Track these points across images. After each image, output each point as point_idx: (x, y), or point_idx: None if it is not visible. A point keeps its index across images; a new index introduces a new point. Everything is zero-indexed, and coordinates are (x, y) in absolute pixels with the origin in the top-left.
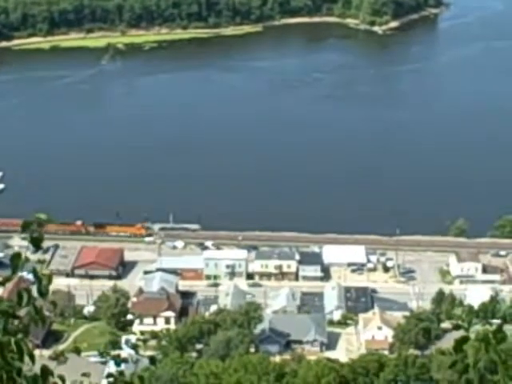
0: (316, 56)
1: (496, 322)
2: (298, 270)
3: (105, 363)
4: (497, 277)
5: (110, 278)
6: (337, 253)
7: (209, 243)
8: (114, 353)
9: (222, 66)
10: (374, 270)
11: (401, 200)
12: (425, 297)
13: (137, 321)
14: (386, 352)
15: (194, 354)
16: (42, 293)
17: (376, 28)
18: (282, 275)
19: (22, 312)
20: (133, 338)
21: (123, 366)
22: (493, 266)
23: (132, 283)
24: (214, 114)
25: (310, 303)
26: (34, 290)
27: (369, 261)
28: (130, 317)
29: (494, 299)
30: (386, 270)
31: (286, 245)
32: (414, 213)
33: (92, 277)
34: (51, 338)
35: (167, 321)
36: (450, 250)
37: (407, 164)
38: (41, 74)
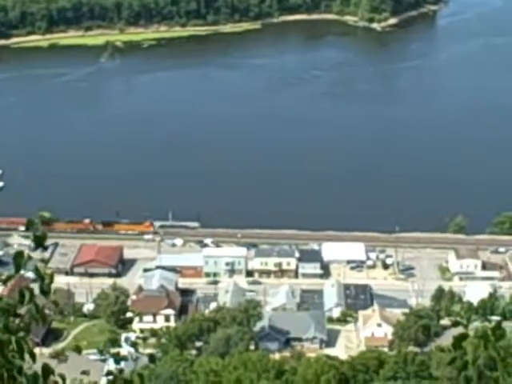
0: (315, 53)
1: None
2: (297, 267)
3: (104, 361)
4: (496, 273)
5: (109, 275)
6: (336, 250)
7: (208, 241)
8: (114, 351)
9: (220, 64)
10: (374, 267)
11: (400, 197)
12: (424, 294)
13: (136, 318)
14: (386, 349)
15: (194, 352)
16: (45, 291)
17: (375, 25)
18: (281, 272)
19: (22, 310)
20: (132, 336)
21: (123, 364)
22: (492, 263)
23: (131, 281)
24: (212, 111)
25: (309, 300)
26: (33, 288)
27: (368, 258)
28: (129, 315)
29: (493, 296)
30: (386, 267)
31: (285, 242)
32: (413, 210)
33: (91, 275)
34: (51, 336)
35: (167, 318)
36: (450, 246)
37: (406, 161)
38: (39, 72)
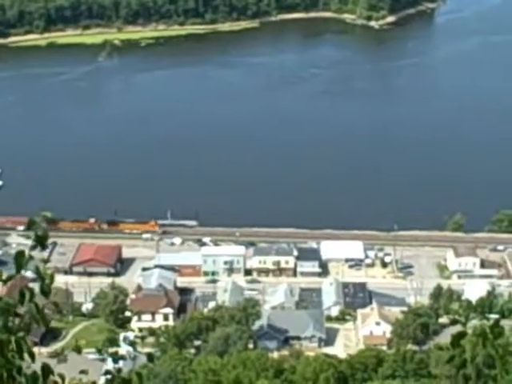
0: (313, 51)
1: (493, 316)
2: (296, 265)
3: (103, 360)
4: (495, 271)
5: (108, 274)
6: (335, 248)
7: (207, 239)
8: (112, 350)
9: (219, 62)
10: (372, 265)
11: (398, 195)
12: (423, 292)
13: (135, 317)
14: (385, 347)
15: (193, 351)
16: (45, 291)
17: (373, 23)
18: (280, 271)
19: (21, 310)
20: (131, 335)
21: (121, 363)
22: (490, 261)
23: (130, 280)
24: (211, 110)
25: (308, 299)
26: (33, 288)
27: (367, 256)
28: (128, 314)
29: (492, 294)
30: (384, 265)
31: (283, 241)
32: (411, 208)
33: (90, 274)
34: (49, 335)
35: (165, 317)
36: (448, 244)
37: (404, 159)
38: (37, 71)
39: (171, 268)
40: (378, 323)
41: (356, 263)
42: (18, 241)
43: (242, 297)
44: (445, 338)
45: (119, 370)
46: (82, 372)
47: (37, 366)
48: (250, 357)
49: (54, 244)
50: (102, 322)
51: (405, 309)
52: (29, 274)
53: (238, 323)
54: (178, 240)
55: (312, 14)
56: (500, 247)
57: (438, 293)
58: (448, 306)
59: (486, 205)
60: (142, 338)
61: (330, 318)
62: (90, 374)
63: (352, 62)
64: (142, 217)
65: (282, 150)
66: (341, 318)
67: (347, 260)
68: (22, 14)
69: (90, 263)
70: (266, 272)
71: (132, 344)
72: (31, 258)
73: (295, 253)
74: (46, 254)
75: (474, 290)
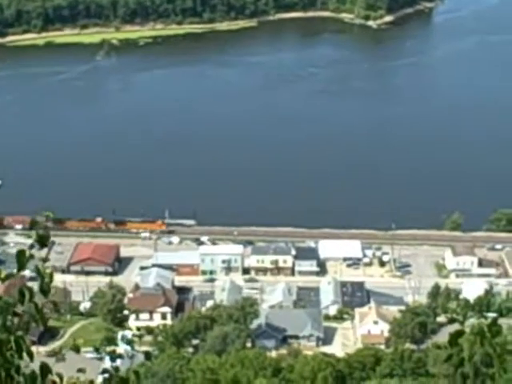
0: (311, 51)
1: (491, 315)
2: (293, 264)
3: (101, 359)
4: (492, 270)
5: (105, 274)
6: (333, 247)
7: (204, 238)
8: (109, 348)
9: (217, 61)
10: (370, 264)
11: (396, 194)
12: (421, 291)
13: (133, 316)
14: (382, 346)
15: (191, 350)
16: (44, 290)
17: (371, 22)
18: (277, 270)
19: (20, 309)
20: (129, 334)
21: (119, 362)
22: (488, 260)
23: (128, 279)
24: (209, 109)
25: (306, 298)
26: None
27: (365, 255)
28: (126, 313)
29: (490, 293)
30: (382, 264)
31: (281, 240)
32: (409, 207)
33: (88, 273)
34: (47, 334)
35: (163, 316)
36: (446, 244)
37: (402, 158)
38: (35, 71)
39: (169, 267)
40: (375, 322)
41: (354, 262)
42: (16, 240)
43: (240, 296)
44: (443, 337)
45: (117, 369)
46: (80, 371)
47: (35, 366)
48: (248, 356)
49: (52, 243)
50: (100, 320)
51: (403, 308)
52: (27, 272)
53: (236, 322)
54: (175, 239)
55: (310, 14)
56: (498, 246)
57: (435, 292)
58: (446, 304)
59: (483, 204)
60: (139, 336)
61: (328, 317)
62: (88, 373)
63: (350, 62)
64: (141, 216)
65: (280, 149)
66: (339, 317)
67: (345, 259)
68: (19, 13)
69: (87, 262)
70: (264, 271)
71: (130, 343)
72: (32, 256)
73: (293, 252)
74: (43, 253)
75: (472, 289)
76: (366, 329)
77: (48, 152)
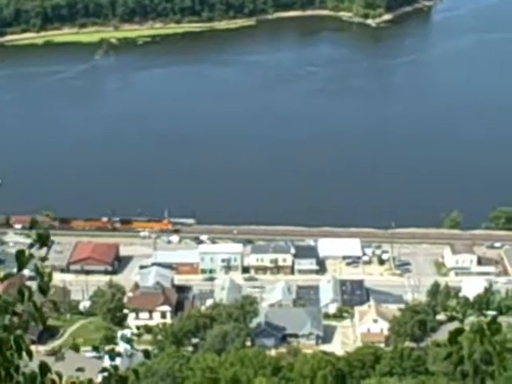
0: (310, 49)
1: (491, 313)
2: (293, 263)
3: (101, 358)
4: (492, 268)
5: (105, 273)
6: (332, 246)
7: (204, 237)
8: (108, 347)
9: (215, 60)
10: (370, 262)
11: (395, 193)
12: (420, 289)
13: (133, 315)
14: (382, 345)
15: (190, 349)
16: (43, 289)
17: (369, 21)
18: (277, 269)
19: (19, 308)
20: (128, 333)
21: (118, 361)
22: (488, 258)
23: (128, 278)
24: (207, 108)
25: (305, 296)
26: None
27: (364, 254)
28: (125, 312)
29: (489, 291)
30: (382, 262)
31: (281, 238)
32: (408, 205)
33: (87, 272)
34: (47, 333)
35: (163, 315)
36: (445, 242)
37: (401, 157)
38: (34, 70)
39: (169, 266)
40: (375, 320)
41: (353, 261)
42: (15, 239)
43: (240, 294)
44: (442, 335)
45: (116, 368)
46: (79, 370)
47: (34, 365)
48: (247, 354)
49: (51, 242)
50: (100, 320)
51: (402, 306)
52: (26, 272)
53: (236, 321)
54: (175, 238)
55: (308, 12)
56: (497, 244)
57: (435, 290)
58: (445, 303)
59: (482, 202)
60: (138, 335)
61: (327, 316)
62: (88, 372)
63: (349, 60)
64: (140, 215)
65: (279, 148)
66: (338, 316)
67: (345, 257)
68: (18, 12)
69: (87, 261)
70: (264, 270)
71: (129, 341)
72: (31, 256)
73: (293, 250)
74: (43, 252)
75: (471, 287)
76: (365, 327)
77: (46, 151)
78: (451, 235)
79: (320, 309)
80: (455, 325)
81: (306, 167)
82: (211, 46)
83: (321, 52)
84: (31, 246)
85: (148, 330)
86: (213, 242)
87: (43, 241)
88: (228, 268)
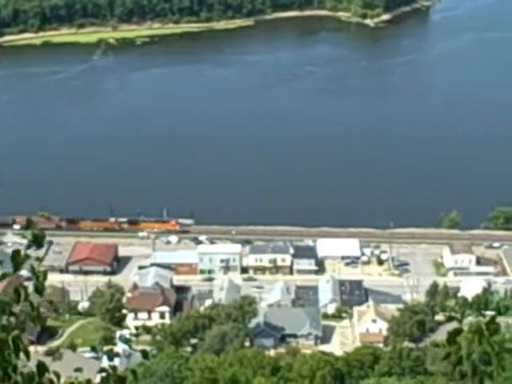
0: (308, 49)
1: (489, 313)
2: (292, 263)
3: (99, 358)
4: (490, 269)
5: (104, 273)
6: (331, 246)
7: (203, 238)
8: (107, 347)
9: (214, 60)
10: (368, 262)
11: (394, 193)
12: (419, 289)
13: (131, 316)
14: (381, 345)
15: (189, 349)
16: (39, 289)
17: (368, 21)
18: (276, 269)
19: (16, 309)
20: (127, 333)
21: (116, 361)
22: (486, 258)
23: (126, 278)
24: (206, 108)
25: (304, 297)
26: (28, 286)
27: (363, 254)
28: (124, 312)
29: (488, 291)
30: (380, 262)
31: (280, 239)
32: (407, 205)
33: (86, 272)
34: (46, 334)
35: (162, 315)
36: (444, 242)
37: (400, 156)
38: (32, 70)
39: (167, 266)
40: (374, 321)
41: (352, 261)
42: (14, 240)
43: (239, 295)
44: (441, 335)
45: (114, 368)
46: (77, 370)
47: (32, 364)
48: (246, 355)
49: (50, 243)
50: (99, 320)
51: (401, 306)
52: (24, 272)
53: (235, 321)
54: (174, 238)
55: (307, 12)
56: (496, 244)
57: (434, 290)
58: (444, 303)
59: (481, 202)
60: (136, 335)
61: (326, 316)
62: (87, 372)
63: (347, 60)
64: (140, 215)
65: (278, 148)
66: (337, 316)
67: (343, 258)
68: (16, 12)
69: (86, 262)
70: (263, 270)
71: (127, 342)
72: (27, 256)
73: (291, 251)
74: (41, 252)
75: (470, 287)
76: (364, 327)
77: (45, 151)
78: (450, 235)
79: (319, 309)
80: (454, 325)
81: (305, 167)
82: (210, 46)
83: (319, 52)
84: (29, 246)
85: (147, 330)
86: (211, 242)
87: (38, 241)
88: (227, 268)
